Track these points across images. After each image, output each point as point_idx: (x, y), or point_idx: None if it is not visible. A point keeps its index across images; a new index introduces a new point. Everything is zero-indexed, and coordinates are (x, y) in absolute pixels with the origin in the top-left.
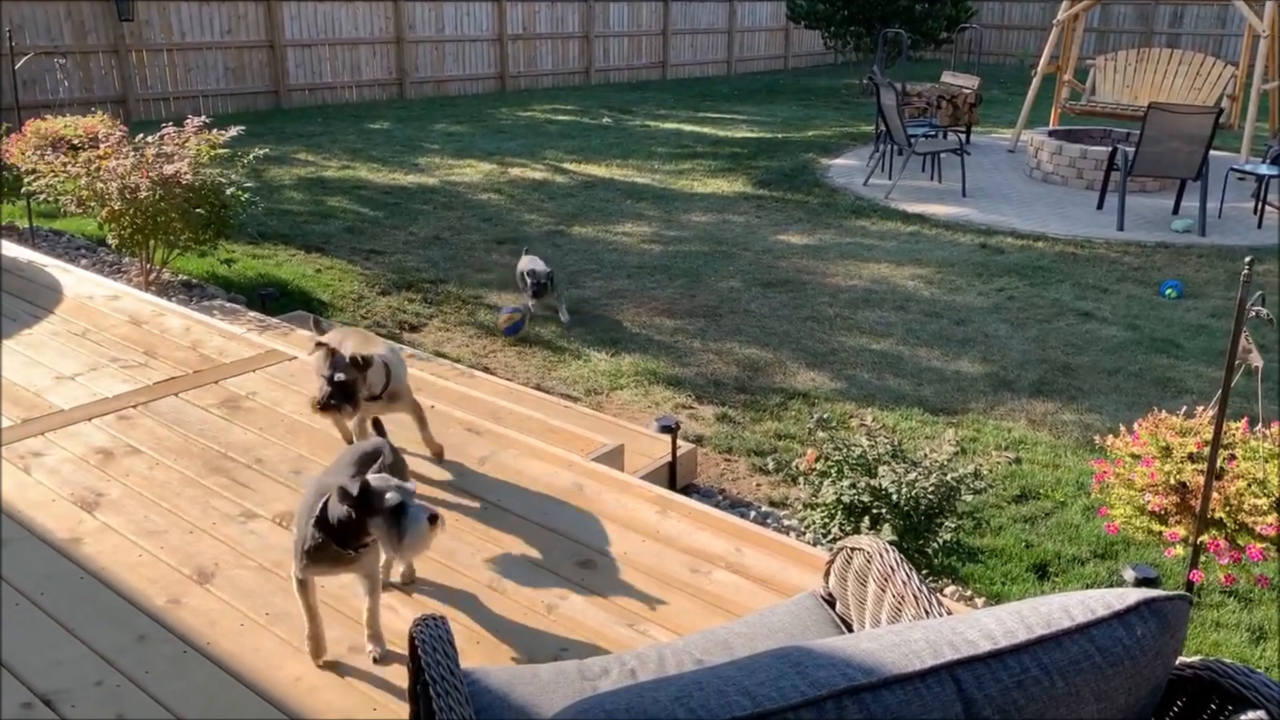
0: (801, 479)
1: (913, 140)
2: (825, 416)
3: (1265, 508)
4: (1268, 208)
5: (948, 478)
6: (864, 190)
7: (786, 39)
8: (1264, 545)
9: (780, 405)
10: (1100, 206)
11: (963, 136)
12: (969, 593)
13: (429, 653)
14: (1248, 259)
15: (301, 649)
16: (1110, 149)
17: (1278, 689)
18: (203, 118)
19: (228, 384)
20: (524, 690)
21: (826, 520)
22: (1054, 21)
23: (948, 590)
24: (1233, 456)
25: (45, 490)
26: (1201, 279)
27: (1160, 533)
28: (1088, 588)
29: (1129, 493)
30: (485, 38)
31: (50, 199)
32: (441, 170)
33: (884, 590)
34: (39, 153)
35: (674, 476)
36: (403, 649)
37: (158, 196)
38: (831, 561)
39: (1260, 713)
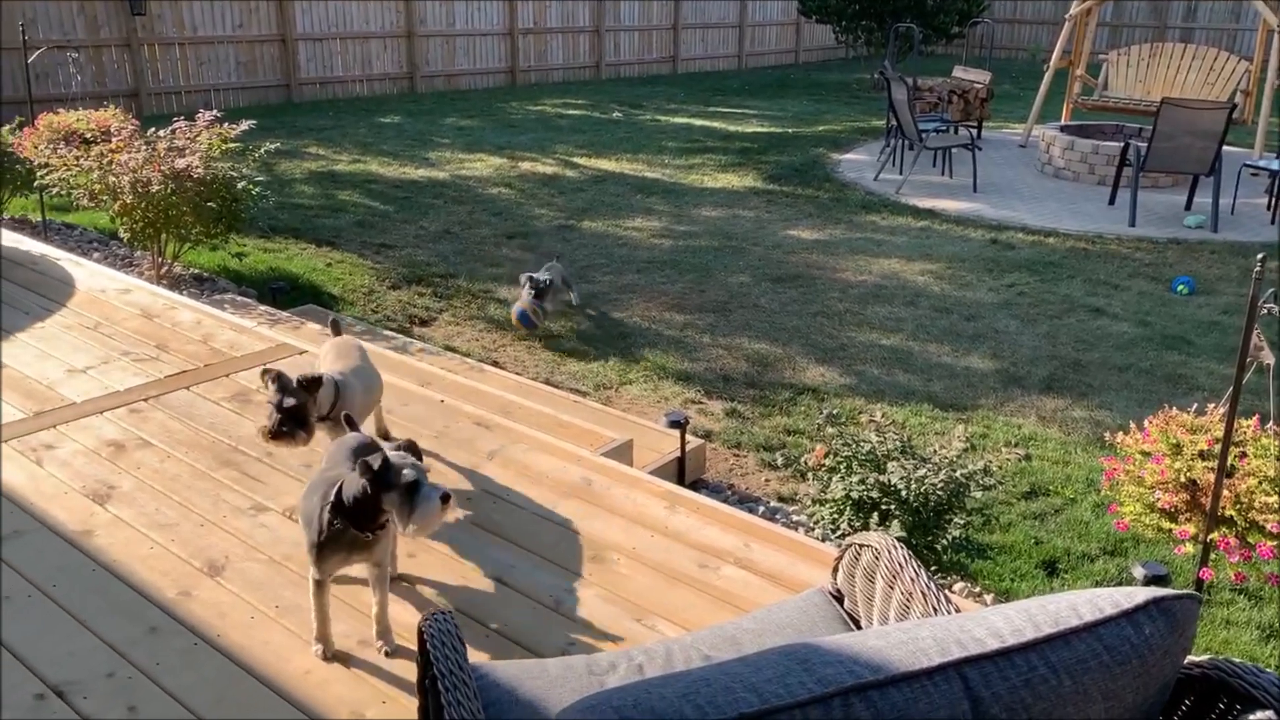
0: (810, 475)
1: (924, 135)
2: (834, 412)
3: (1276, 505)
4: None
5: (957, 474)
6: (874, 185)
7: (797, 34)
8: (1275, 543)
9: (789, 401)
10: (1112, 202)
11: (974, 132)
12: (978, 589)
13: (437, 647)
14: (1260, 255)
15: (311, 642)
16: (1122, 144)
17: None
18: (214, 111)
19: (239, 378)
20: (532, 685)
21: (835, 516)
22: (1066, 16)
23: (956, 587)
24: (1244, 454)
25: (57, 483)
26: (1214, 275)
27: (1170, 530)
28: (1097, 585)
29: (1139, 490)
30: (496, 32)
31: (63, 192)
32: (452, 164)
33: (892, 587)
34: (52, 146)
35: (683, 472)
36: (411, 643)
37: (169, 190)
38: (840, 558)
39: (1268, 713)
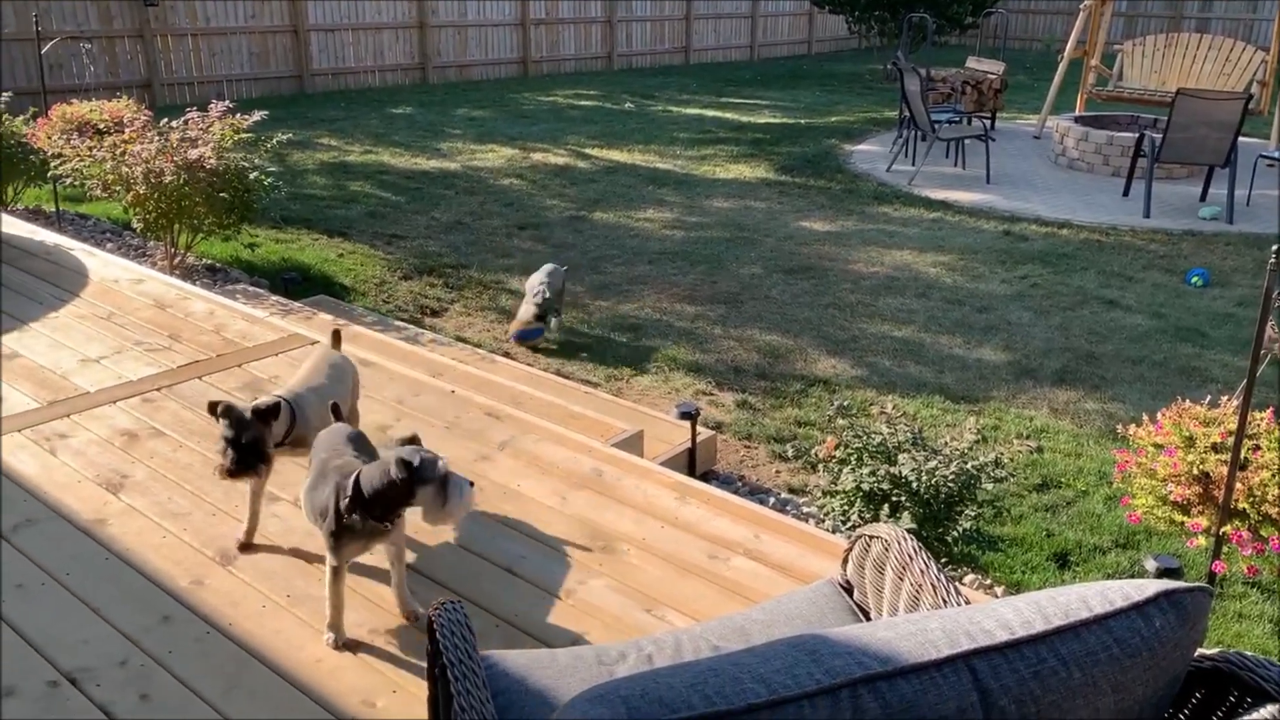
0: (821, 466)
1: (937, 126)
2: (845, 404)
3: None
4: None
5: (968, 466)
6: (887, 176)
7: (810, 24)
8: None
9: (800, 392)
10: (1126, 194)
11: (987, 122)
12: (988, 581)
13: (447, 636)
14: (1276, 247)
15: (322, 631)
16: (1137, 135)
17: None
18: (227, 102)
19: (251, 367)
20: (541, 674)
21: (845, 508)
22: (1081, 6)
23: (967, 579)
24: (1257, 447)
25: (71, 472)
26: (1228, 267)
27: (1182, 523)
28: (1109, 578)
29: (1151, 482)
30: (508, 22)
31: (76, 183)
32: (463, 155)
33: (902, 578)
34: (65, 137)
35: (693, 463)
36: (421, 633)
37: (182, 181)
38: (850, 549)
39: (1278, 706)
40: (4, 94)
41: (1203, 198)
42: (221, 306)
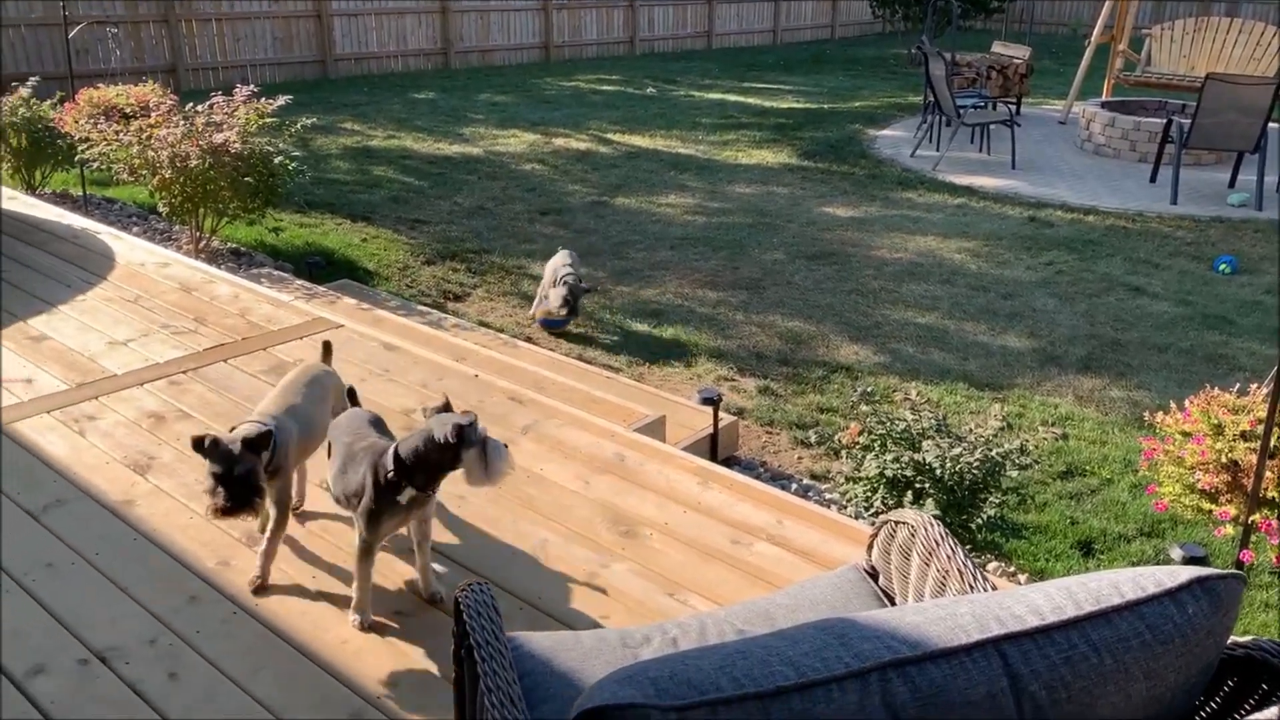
0: (844, 452)
1: (962, 111)
2: (868, 390)
3: None
4: None
5: (993, 453)
6: (911, 162)
7: (834, 8)
8: None
9: (823, 378)
10: (1153, 180)
11: (1013, 108)
12: (1012, 569)
13: (474, 617)
14: None
15: (347, 612)
16: (1165, 121)
17: None
18: (251, 87)
19: (275, 351)
20: (567, 656)
21: (869, 494)
22: None
23: (991, 566)
24: None
25: (99, 453)
26: (1257, 254)
27: (1210, 511)
28: (1134, 565)
29: (1178, 470)
30: (530, 7)
31: (103, 167)
32: (486, 140)
33: (928, 565)
34: (92, 121)
35: (715, 448)
36: (446, 617)
37: (207, 165)
38: (875, 534)
39: None
40: (31, 79)
41: (1231, 184)
42: (246, 290)
